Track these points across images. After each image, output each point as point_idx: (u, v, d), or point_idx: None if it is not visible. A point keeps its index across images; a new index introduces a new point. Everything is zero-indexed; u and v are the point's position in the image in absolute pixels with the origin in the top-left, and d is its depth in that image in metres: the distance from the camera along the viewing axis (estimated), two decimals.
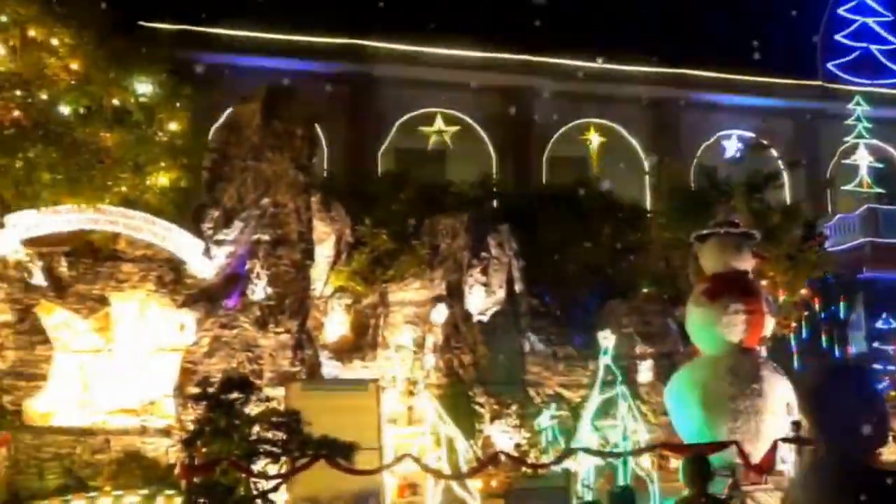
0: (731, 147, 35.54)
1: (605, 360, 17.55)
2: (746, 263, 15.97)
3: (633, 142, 35.74)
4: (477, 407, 17.10)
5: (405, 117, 33.18)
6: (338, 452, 9.98)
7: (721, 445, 12.46)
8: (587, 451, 14.28)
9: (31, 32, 18.24)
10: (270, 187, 17.68)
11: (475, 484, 15.79)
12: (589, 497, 15.01)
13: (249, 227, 17.59)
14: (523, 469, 15.14)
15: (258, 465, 10.42)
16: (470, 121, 33.90)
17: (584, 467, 15.88)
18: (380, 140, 32.54)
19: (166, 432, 16.19)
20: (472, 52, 33.38)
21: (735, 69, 34.82)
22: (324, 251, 18.81)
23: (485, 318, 18.32)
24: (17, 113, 17.34)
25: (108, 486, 15.53)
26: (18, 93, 17.57)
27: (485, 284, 18.55)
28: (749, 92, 35.78)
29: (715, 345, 15.56)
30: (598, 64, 33.97)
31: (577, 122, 35.03)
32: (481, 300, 18.45)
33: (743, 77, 35.41)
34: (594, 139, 34.89)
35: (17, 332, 16.39)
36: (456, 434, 16.27)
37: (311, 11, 30.55)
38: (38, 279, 16.59)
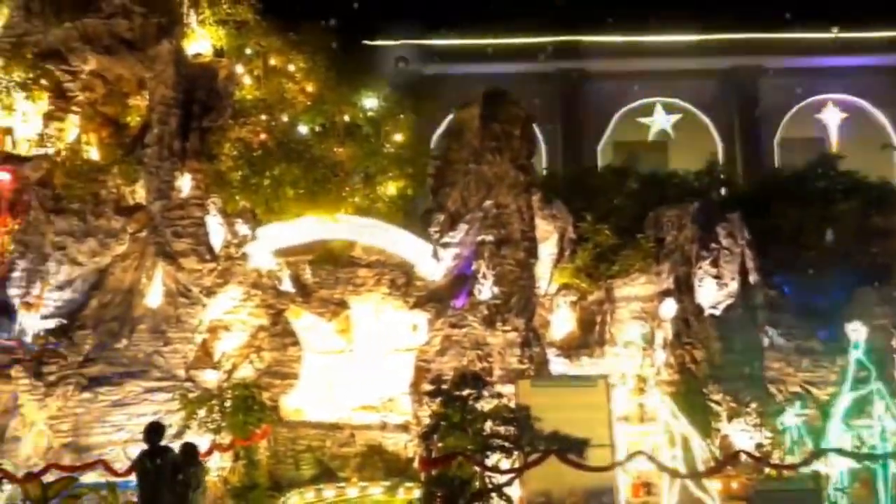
0: None
1: (855, 354, 16.11)
2: None
3: (879, 114, 32.50)
4: (712, 405, 16.28)
5: (623, 110, 32.49)
6: (570, 448, 9.94)
7: None
8: (840, 452, 13.15)
9: (273, 61, 20.15)
10: (492, 189, 17.98)
11: (714, 485, 15.08)
12: (844, 502, 13.82)
13: (474, 228, 17.97)
14: (766, 470, 14.23)
15: (491, 460, 10.62)
16: (691, 107, 32.52)
17: (836, 470, 14.66)
18: (598, 134, 32.11)
19: (405, 427, 16.97)
20: (689, 35, 31.99)
21: None
22: (547, 249, 18.86)
23: (717, 312, 17.39)
24: (263, 136, 18.92)
25: (355, 477, 16.58)
26: (263, 117, 19.23)
27: (716, 276, 17.63)
28: None
29: None
30: (833, 34, 31.22)
31: (812, 99, 32.46)
32: (713, 293, 17.55)
33: None
34: (831, 115, 32.14)
35: (271, 335, 17.93)
36: (691, 432, 15.64)
37: (522, 14, 30.83)
38: (287, 286, 18.04)
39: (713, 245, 17.76)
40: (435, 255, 18.11)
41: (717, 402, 16.34)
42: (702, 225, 18.08)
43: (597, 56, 31.97)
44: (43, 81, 17.95)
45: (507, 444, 10.23)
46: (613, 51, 31.98)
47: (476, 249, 17.76)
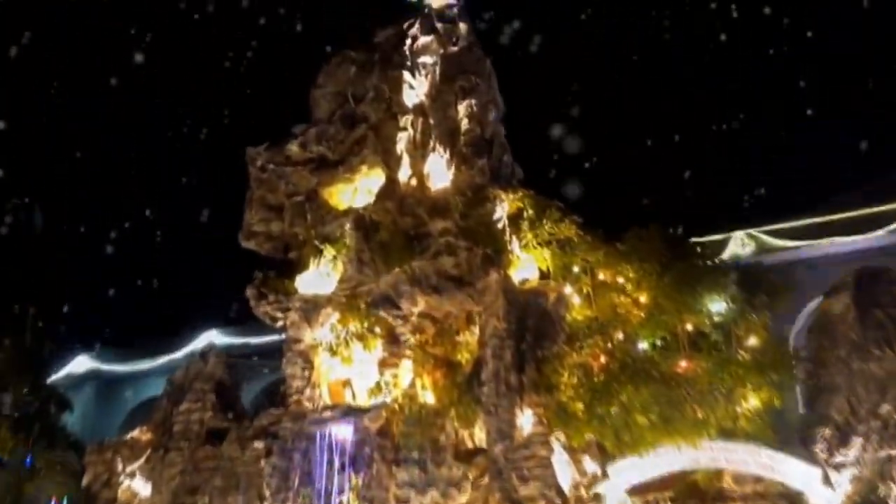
0: None
1: None
2: None
3: None
4: None
5: None
6: None
7: None
8: None
9: (601, 276, 20.74)
10: (888, 390, 16.55)
11: None
12: None
13: (872, 442, 16.52)
14: None
15: None
16: None
17: None
18: None
19: None
20: None
21: None
22: None
23: None
24: (602, 358, 19.17)
25: None
26: (599, 338, 19.56)
27: None
28: None
29: None
30: None
31: None
32: None
33: None
34: None
35: None
36: None
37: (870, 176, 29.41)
38: None
39: None
40: (826, 479, 16.72)
41: None
42: None
43: None
44: (376, 329, 19.78)
45: None
46: None
47: (881, 468, 16.14)
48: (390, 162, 21.86)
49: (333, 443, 18.66)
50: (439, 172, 21.85)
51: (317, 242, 21.43)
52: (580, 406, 18.19)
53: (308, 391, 20.06)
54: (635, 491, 18.05)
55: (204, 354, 22.50)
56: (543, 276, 20.74)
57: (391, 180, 21.68)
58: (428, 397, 19.51)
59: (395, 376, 19.62)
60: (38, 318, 27.75)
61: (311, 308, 20.63)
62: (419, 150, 21.95)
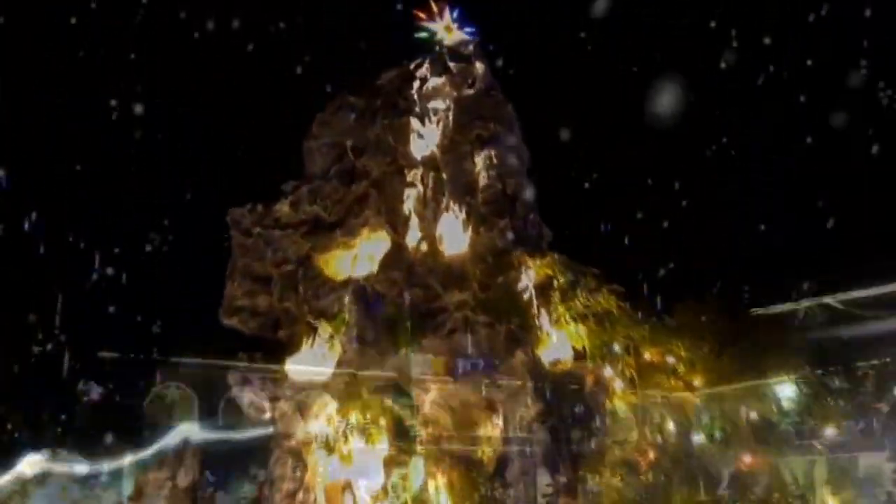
0: None
1: None
2: None
3: None
4: None
5: None
6: None
7: None
8: None
9: (646, 355, 20.24)
10: None
11: None
12: None
13: None
14: None
15: None
16: None
17: None
18: None
19: None
20: None
21: None
22: None
23: None
24: (651, 454, 18.58)
25: None
26: (646, 428, 19.10)
27: None
28: None
29: None
30: None
31: None
32: None
33: None
34: None
35: None
36: None
37: None
38: None
39: None
40: None
41: None
42: None
43: None
44: (381, 421, 19.04)
45: None
46: None
47: None
48: (396, 224, 21.37)
49: None
50: (454, 235, 21.39)
51: (311, 319, 20.85)
52: None
53: (301, 495, 19.09)
54: None
55: (177, 453, 21.62)
56: (579, 355, 20.19)
57: (397, 245, 21.20)
58: (443, 502, 18.74)
59: (404, 477, 18.77)
60: None
61: (305, 396, 19.79)
62: (430, 210, 21.47)
